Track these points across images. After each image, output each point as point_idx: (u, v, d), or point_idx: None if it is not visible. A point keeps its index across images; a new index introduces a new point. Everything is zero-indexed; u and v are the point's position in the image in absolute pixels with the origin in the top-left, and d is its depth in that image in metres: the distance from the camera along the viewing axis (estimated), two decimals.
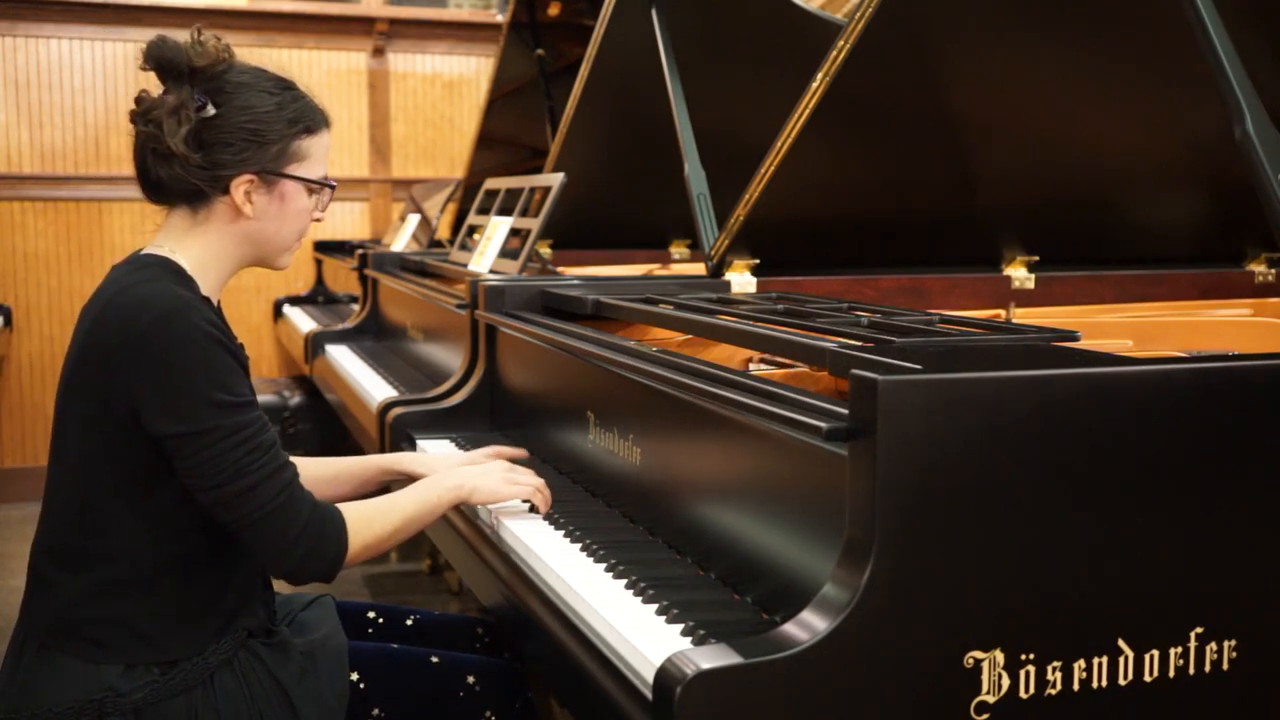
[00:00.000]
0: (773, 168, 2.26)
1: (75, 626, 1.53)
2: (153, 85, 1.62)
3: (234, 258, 1.65)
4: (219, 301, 1.69)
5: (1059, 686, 1.18)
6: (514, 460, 1.96)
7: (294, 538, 1.52)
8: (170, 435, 1.48)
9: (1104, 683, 1.20)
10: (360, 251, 4.02)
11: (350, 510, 1.61)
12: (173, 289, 1.53)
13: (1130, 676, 1.21)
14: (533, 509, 1.82)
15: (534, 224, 2.81)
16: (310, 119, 1.65)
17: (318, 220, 1.71)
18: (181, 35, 1.60)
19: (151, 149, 1.58)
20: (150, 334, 1.48)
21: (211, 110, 1.57)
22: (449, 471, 1.79)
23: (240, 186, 1.59)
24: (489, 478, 1.77)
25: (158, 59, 1.58)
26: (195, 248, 1.62)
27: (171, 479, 1.52)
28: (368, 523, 1.61)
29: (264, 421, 1.54)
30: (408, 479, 1.95)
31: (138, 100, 1.60)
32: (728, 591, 1.46)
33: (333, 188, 1.70)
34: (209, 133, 1.57)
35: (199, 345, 1.48)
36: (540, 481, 1.81)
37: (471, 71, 6.10)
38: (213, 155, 1.57)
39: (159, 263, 1.59)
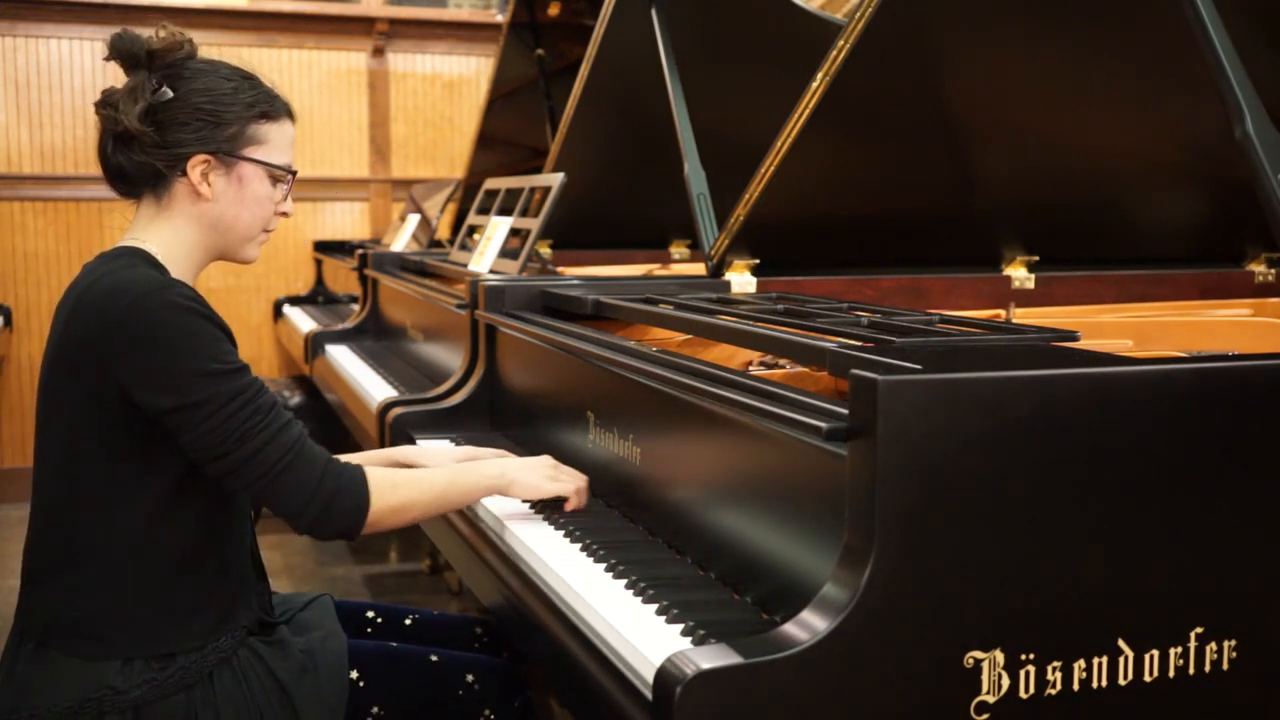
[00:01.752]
0: (773, 168, 2.26)
1: (71, 622, 1.53)
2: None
3: (200, 245, 1.66)
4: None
5: (1059, 686, 1.18)
6: None
7: (311, 492, 1.53)
8: (169, 410, 1.48)
9: (1104, 683, 1.20)
10: (360, 251, 4.02)
11: (375, 472, 1.61)
12: (146, 271, 1.55)
13: (1130, 676, 1.21)
14: (534, 509, 1.82)
15: (534, 224, 2.81)
16: (268, 105, 1.67)
17: (284, 215, 1.71)
18: (133, 26, 1.65)
19: (111, 133, 1.62)
20: (131, 317, 1.48)
21: (168, 93, 1.60)
22: (493, 460, 1.80)
23: (197, 166, 1.61)
24: (533, 472, 1.77)
25: (118, 49, 1.62)
26: (162, 235, 1.64)
27: (163, 469, 1.52)
28: (393, 486, 1.61)
29: (260, 384, 1.54)
30: None
31: (103, 92, 1.64)
32: (728, 591, 1.46)
33: (293, 174, 1.70)
34: (165, 113, 1.60)
35: (181, 319, 1.49)
36: (584, 481, 1.81)
37: (471, 71, 6.10)
38: (168, 134, 1.60)
39: (129, 252, 1.61)
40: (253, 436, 1.50)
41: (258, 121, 1.65)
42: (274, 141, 1.67)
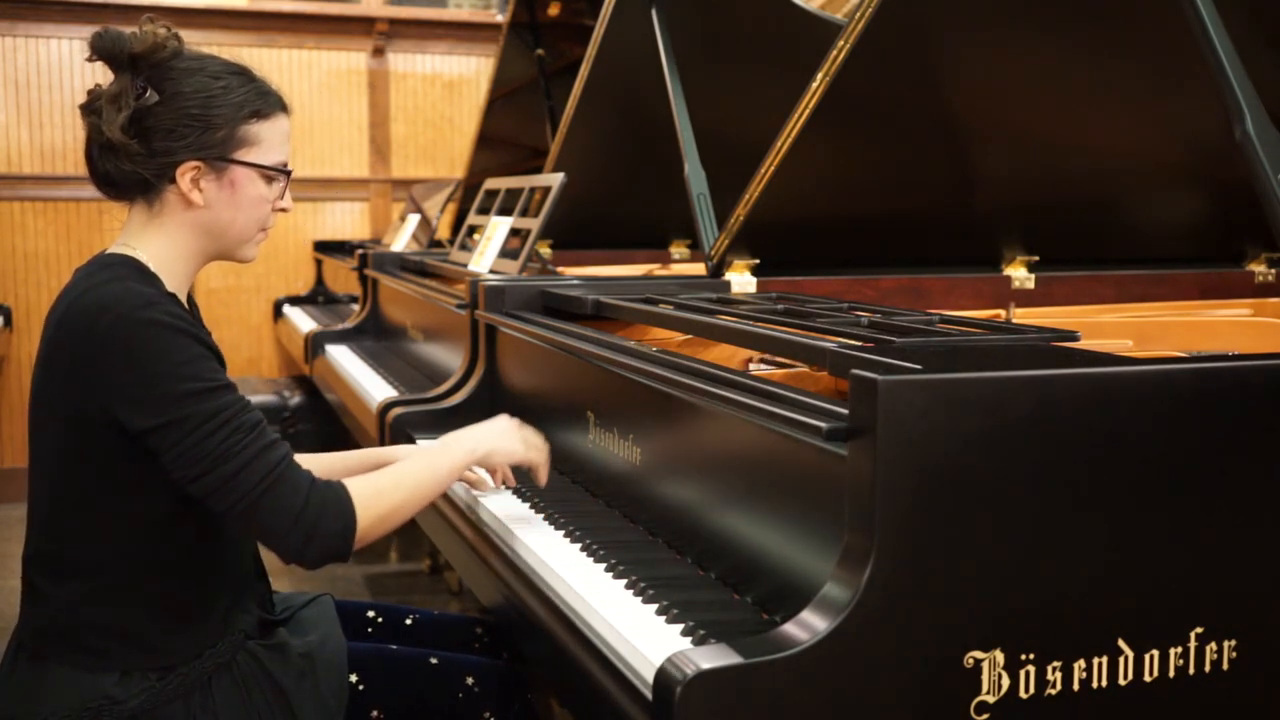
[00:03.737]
0: (773, 168, 2.26)
1: (69, 634, 1.51)
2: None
3: (195, 251, 1.61)
4: (190, 296, 1.66)
5: (1059, 686, 1.18)
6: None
7: (294, 518, 1.46)
8: (149, 430, 1.44)
9: (1104, 683, 1.20)
10: (360, 251, 4.02)
11: (356, 484, 1.54)
12: (134, 286, 1.49)
13: (1130, 676, 1.21)
14: (533, 508, 1.82)
15: (534, 224, 2.80)
16: (260, 103, 1.59)
17: (282, 211, 1.65)
18: (130, 27, 1.56)
19: (97, 141, 1.55)
20: (114, 333, 1.45)
21: (153, 97, 1.53)
22: (462, 433, 1.73)
23: (186, 174, 1.55)
24: (508, 438, 1.73)
25: (100, 50, 1.54)
26: (155, 243, 1.58)
27: (151, 480, 1.49)
28: (376, 495, 1.54)
29: (244, 403, 1.49)
30: None
31: (88, 93, 1.57)
32: (728, 591, 1.46)
33: (288, 174, 1.64)
34: (150, 119, 1.53)
35: (163, 336, 1.45)
36: (546, 446, 1.83)
37: (471, 71, 6.10)
38: (154, 143, 1.54)
39: (120, 261, 1.55)
40: (232, 457, 1.44)
41: (249, 121, 1.57)
42: (267, 140, 1.60)
